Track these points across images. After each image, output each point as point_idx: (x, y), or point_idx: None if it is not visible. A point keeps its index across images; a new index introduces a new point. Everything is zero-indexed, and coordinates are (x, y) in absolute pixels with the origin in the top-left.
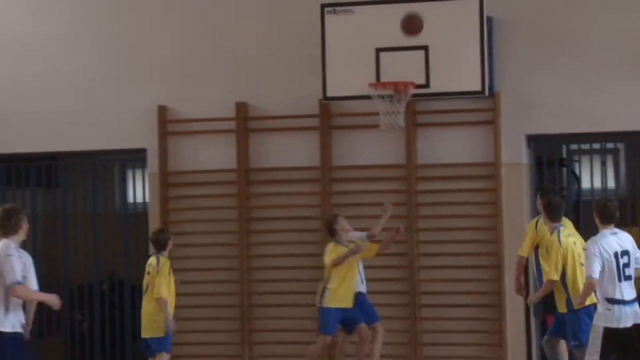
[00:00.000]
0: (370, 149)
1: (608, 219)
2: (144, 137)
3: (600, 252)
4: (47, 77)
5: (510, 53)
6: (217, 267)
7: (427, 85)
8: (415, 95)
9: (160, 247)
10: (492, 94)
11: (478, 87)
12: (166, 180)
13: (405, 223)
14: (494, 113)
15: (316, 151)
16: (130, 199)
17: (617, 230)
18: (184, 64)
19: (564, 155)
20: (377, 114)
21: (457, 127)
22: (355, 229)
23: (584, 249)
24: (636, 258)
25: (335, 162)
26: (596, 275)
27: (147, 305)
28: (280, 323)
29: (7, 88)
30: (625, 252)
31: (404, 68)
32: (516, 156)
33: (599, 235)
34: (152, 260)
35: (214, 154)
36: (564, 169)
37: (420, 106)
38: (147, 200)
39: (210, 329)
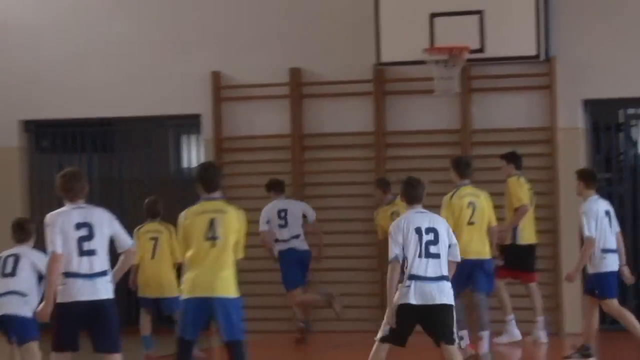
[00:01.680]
0: (424, 114)
1: None
2: (199, 103)
3: None
4: (104, 43)
5: (566, 17)
6: None
7: (481, 50)
8: (470, 60)
9: (157, 214)
10: (548, 59)
11: (533, 52)
12: (220, 146)
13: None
14: (549, 78)
15: (370, 116)
16: (185, 164)
17: None
18: (237, 30)
19: (621, 120)
20: (431, 79)
21: (512, 92)
22: None
23: None
24: None
25: (389, 127)
26: None
27: (161, 267)
28: (338, 287)
29: (65, 54)
30: None
31: (458, 33)
32: (572, 121)
33: None
34: (155, 226)
35: (267, 120)
36: (621, 134)
37: (475, 71)
38: None
39: (255, 293)
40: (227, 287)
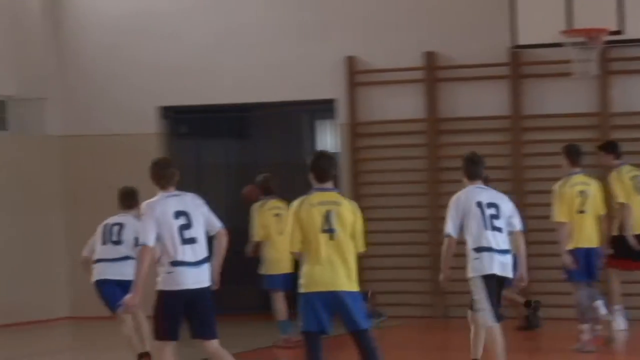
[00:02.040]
0: (561, 97)
1: None
2: (333, 88)
3: None
4: (239, 30)
5: None
6: (407, 217)
7: (621, 31)
8: (608, 42)
9: (272, 191)
10: None
11: None
12: (355, 131)
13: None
14: None
15: (506, 100)
16: (320, 149)
17: None
18: (372, 14)
19: None
20: (568, 61)
21: None
22: (547, 179)
23: None
24: None
25: (525, 111)
26: None
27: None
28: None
29: (202, 42)
30: None
31: (596, 14)
32: None
33: None
34: (277, 203)
35: (402, 104)
36: None
37: (614, 53)
38: (336, 150)
39: (400, 278)
40: (348, 281)
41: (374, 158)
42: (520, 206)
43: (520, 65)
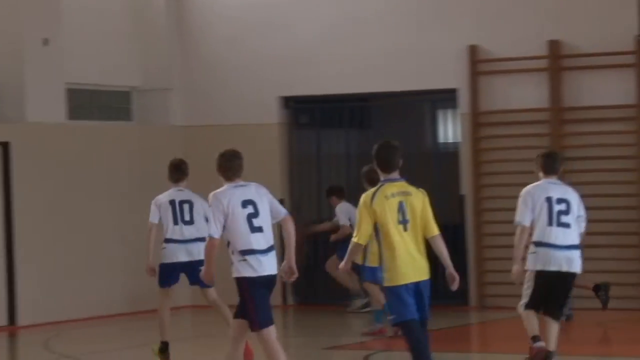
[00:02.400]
0: None
1: None
2: (455, 77)
3: None
4: (361, 19)
5: None
6: None
7: None
8: None
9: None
10: None
11: None
12: (477, 120)
13: None
14: None
15: (631, 89)
16: (441, 139)
17: None
18: (495, 2)
19: None
20: None
21: None
22: None
23: None
24: None
25: None
26: None
27: None
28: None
29: (322, 31)
30: None
31: None
32: None
33: None
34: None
35: (525, 93)
36: None
37: None
38: (458, 139)
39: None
40: (426, 269)
41: (495, 148)
42: None
43: None
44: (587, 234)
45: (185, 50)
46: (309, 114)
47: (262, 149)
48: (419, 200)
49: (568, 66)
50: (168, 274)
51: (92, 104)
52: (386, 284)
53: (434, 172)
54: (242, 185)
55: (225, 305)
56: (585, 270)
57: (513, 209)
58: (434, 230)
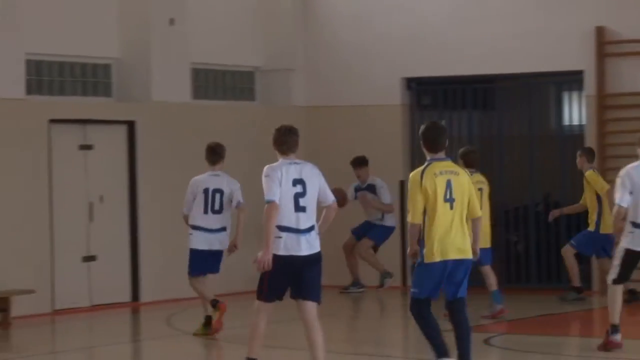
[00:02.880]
0: None
1: None
2: (581, 59)
3: None
4: (486, 1)
5: None
6: None
7: None
8: None
9: (472, 165)
10: None
11: None
12: (603, 103)
13: None
14: None
15: None
16: (566, 121)
17: None
18: None
19: None
20: None
21: None
22: None
23: None
24: None
25: None
26: None
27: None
28: None
29: (447, 12)
30: None
31: None
32: None
33: None
34: (478, 177)
35: None
36: None
37: None
38: (583, 122)
39: None
40: (468, 248)
41: (622, 131)
42: None
43: None
44: None
45: (308, 30)
46: (432, 96)
47: (383, 131)
48: (466, 180)
49: None
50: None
51: (216, 83)
52: (425, 260)
53: (559, 154)
54: (296, 163)
55: None
56: None
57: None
58: (477, 212)
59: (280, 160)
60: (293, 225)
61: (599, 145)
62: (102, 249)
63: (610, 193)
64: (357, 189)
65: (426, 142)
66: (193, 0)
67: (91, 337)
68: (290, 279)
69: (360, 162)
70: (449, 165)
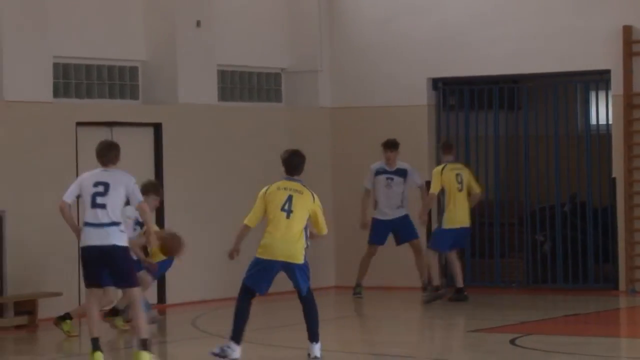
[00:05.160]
0: None
1: None
2: (608, 58)
3: None
4: (512, 1)
5: None
6: None
7: None
8: None
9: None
10: None
11: None
12: (630, 102)
13: None
14: None
15: None
16: (593, 121)
17: None
18: None
19: None
20: None
21: None
22: None
23: None
24: None
25: None
26: None
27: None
28: None
29: (473, 12)
30: None
31: None
32: None
33: None
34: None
35: None
36: None
37: None
38: (610, 122)
39: None
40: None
41: None
42: None
43: None
44: None
45: (334, 32)
46: (458, 96)
47: (409, 131)
48: (308, 200)
49: None
50: None
51: (242, 85)
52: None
53: (585, 154)
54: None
55: None
56: None
57: None
58: (321, 230)
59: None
60: (87, 219)
61: (626, 145)
62: None
63: None
64: (379, 172)
65: (285, 166)
66: (219, 2)
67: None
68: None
69: (393, 145)
70: (295, 185)
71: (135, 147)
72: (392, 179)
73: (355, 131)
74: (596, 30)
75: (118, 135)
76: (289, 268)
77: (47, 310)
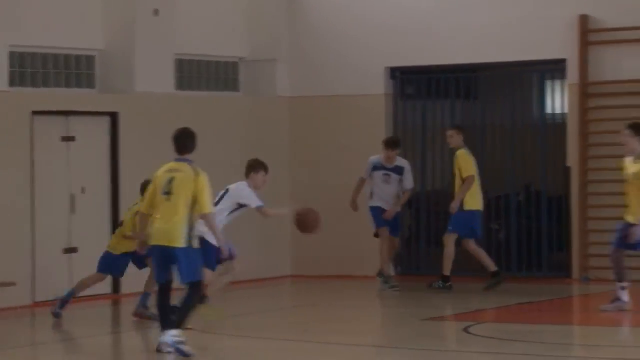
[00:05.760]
0: None
1: None
2: (564, 48)
3: None
4: None
5: None
6: None
7: None
8: None
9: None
10: None
11: None
12: (586, 91)
13: None
14: None
15: None
16: (549, 110)
17: None
18: None
19: None
20: None
21: None
22: None
23: None
24: None
25: None
26: None
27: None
28: None
29: (429, 2)
30: None
31: None
32: None
33: None
34: None
35: (636, 64)
36: None
37: None
38: (565, 111)
39: None
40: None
41: (604, 119)
42: None
43: None
44: None
45: (293, 21)
46: (416, 85)
47: (367, 120)
48: (189, 180)
49: None
50: None
51: (200, 74)
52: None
53: (541, 143)
54: None
55: None
56: None
57: (620, 181)
58: (205, 208)
59: None
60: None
61: (581, 134)
62: (84, 241)
63: None
64: (377, 167)
65: (174, 145)
66: None
67: (72, 329)
68: None
69: (395, 144)
70: (180, 165)
71: (92, 136)
72: (389, 175)
73: (314, 120)
74: (553, 20)
75: (74, 125)
76: (171, 253)
77: (1, 300)
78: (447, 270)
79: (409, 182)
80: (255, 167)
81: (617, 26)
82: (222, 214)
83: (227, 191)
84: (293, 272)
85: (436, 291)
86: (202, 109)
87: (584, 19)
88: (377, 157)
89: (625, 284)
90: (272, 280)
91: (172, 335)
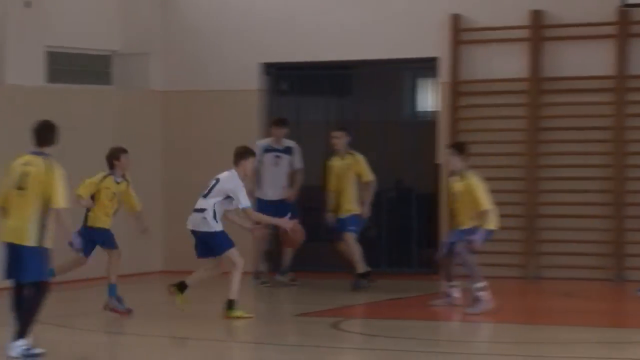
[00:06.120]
0: None
1: None
2: (436, 46)
3: None
4: None
5: None
6: (505, 177)
7: None
8: None
9: None
10: None
11: None
12: (457, 89)
13: None
14: None
15: (612, 60)
16: (420, 108)
17: None
18: None
19: None
20: None
21: None
22: None
23: None
24: None
25: (632, 70)
26: None
27: None
28: (568, 234)
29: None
30: None
31: None
32: None
33: None
34: None
35: (506, 63)
36: None
37: None
38: (437, 109)
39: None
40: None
41: (475, 117)
42: (619, 168)
43: (628, 25)
44: (562, 204)
45: (166, 14)
46: (290, 81)
47: (240, 116)
48: (42, 173)
49: (549, 36)
50: None
51: (72, 67)
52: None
53: (411, 140)
54: None
55: None
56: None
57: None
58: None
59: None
60: None
61: (451, 132)
62: None
63: None
64: (267, 150)
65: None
66: None
67: None
68: None
69: (284, 122)
70: (33, 159)
71: None
72: (279, 157)
73: (187, 115)
74: (425, 18)
75: None
76: (17, 251)
77: None
78: (361, 268)
79: (298, 161)
80: (243, 154)
81: (488, 25)
82: (220, 206)
83: (217, 181)
84: (164, 267)
85: (339, 288)
86: (74, 102)
87: (455, 18)
88: (266, 140)
89: (455, 283)
90: (142, 275)
91: (19, 346)
